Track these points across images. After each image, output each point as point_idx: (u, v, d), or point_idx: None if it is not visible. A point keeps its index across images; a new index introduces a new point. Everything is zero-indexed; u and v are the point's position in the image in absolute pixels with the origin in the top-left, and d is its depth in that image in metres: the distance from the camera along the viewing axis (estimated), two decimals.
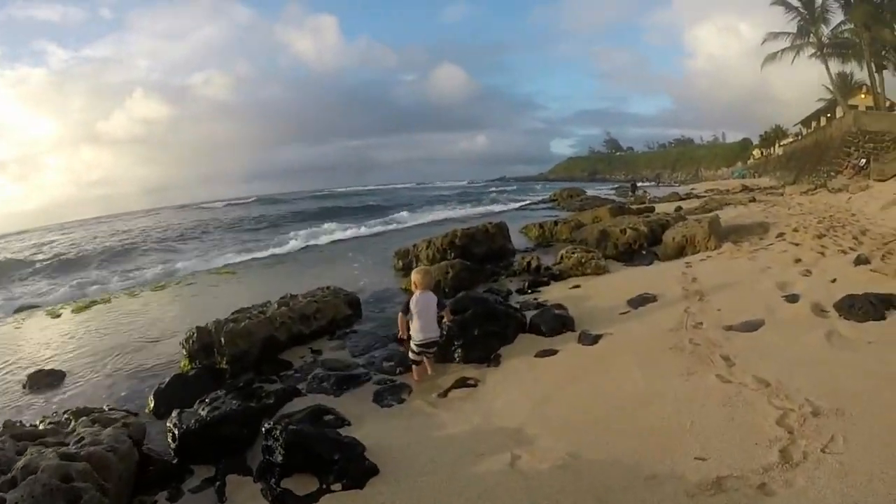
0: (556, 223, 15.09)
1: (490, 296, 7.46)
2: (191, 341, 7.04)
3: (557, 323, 6.53)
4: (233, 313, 7.76)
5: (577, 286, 8.64)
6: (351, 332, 8.16)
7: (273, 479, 3.94)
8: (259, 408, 5.25)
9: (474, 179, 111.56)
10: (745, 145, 73.31)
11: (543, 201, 35.40)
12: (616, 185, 49.60)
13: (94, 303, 12.98)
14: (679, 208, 18.57)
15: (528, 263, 10.28)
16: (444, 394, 5.42)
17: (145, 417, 5.61)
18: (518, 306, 7.88)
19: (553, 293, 8.51)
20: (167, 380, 6.22)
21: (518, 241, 14.44)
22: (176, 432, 4.75)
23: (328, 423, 4.90)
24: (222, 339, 6.83)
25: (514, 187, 67.68)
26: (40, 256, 27.41)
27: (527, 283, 9.22)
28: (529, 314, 7.20)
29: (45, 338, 10.14)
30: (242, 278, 14.80)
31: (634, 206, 19.28)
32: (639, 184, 41.78)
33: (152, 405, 5.88)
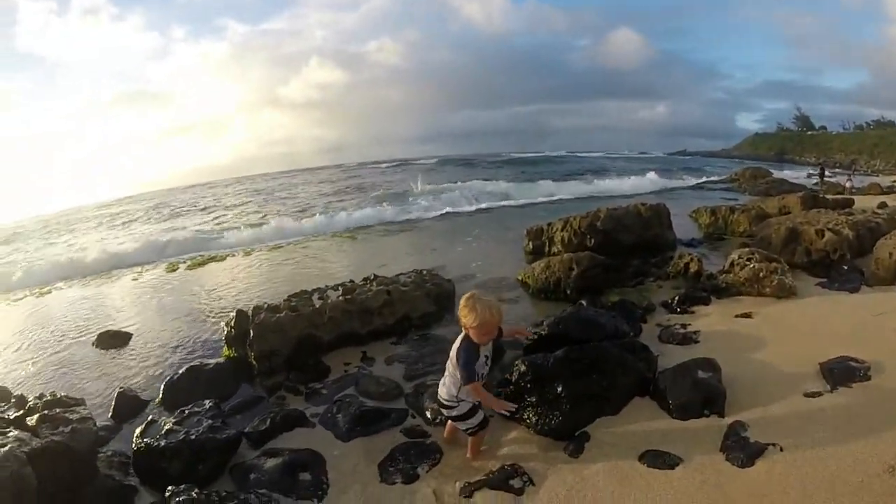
0: (732, 210, 11.67)
1: (611, 320, 5.03)
2: (230, 326, 6.18)
3: (697, 396, 3.79)
4: (289, 296, 6.82)
5: (748, 315, 5.67)
6: (424, 335, 6.42)
7: None
8: (229, 439, 4.13)
9: (651, 151, 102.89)
10: None
11: (723, 180, 30.50)
12: (809, 170, 41.84)
13: (211, 259, 12.82)
14: (884, 205, 14.40)
15: (686, 266, 7.52)
16: (470, 492, 3.30)
17: (154, 408, 5.12)
18: (657, 334, 5.48)
19: (710, 322, 5.68)
20: (180, 372, 5.54)
21: (684, 227, 11.41)
22: (133, 447, 4.08)
23: (298, 487, 3.69)
24: (251, 332, 5.81)
25: (693, 162, 60.72)
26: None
27: (677, 298, 6.50)
28: (666, 352, 4.80)
29: (148, 294, 10.24)
30: (356, 245, 13.43)
31: (830, 197, 15.11)
32: (828, 171, 34.23)
33: (160, 397, 5.31)
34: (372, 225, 16.61)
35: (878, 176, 35.62)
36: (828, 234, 8.07)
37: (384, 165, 63.69)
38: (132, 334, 7.49)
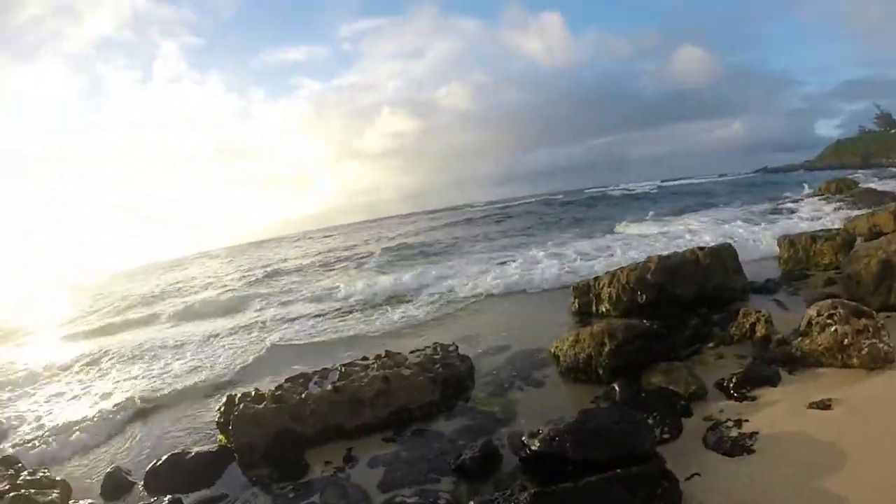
0: (814, 239, 9.84)
1: (629, 428, 3.79)
2: (220, 412, 5.82)
3: None
4: (287, 379, 6.33)
5: (827, 404, 4.22)
6: (421, 431, 5.49)
7: None
8: None
9: (731, 172, 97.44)
10: None
11: (808, 196, 27.10)
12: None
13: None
14: None
15: (752, 327, 6.14)
16: None
17: (139, 493, 5.06)
18: (703, 434, 4.23)
19: (775, 415, 4.27)
20: (163, 458, 5.34)
21: (759, 265, 10.06)
22: None
23: None
24: (230, 424, 5.43)
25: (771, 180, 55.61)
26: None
27: (735, 379, 5.08)
28: (708, 466, 3.58)
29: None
30: None
31: None
32: None
33: (141, 484, 5.17)
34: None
35: None
36: None
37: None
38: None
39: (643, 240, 15.89)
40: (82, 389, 8.64)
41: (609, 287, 8.37)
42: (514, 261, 14.83)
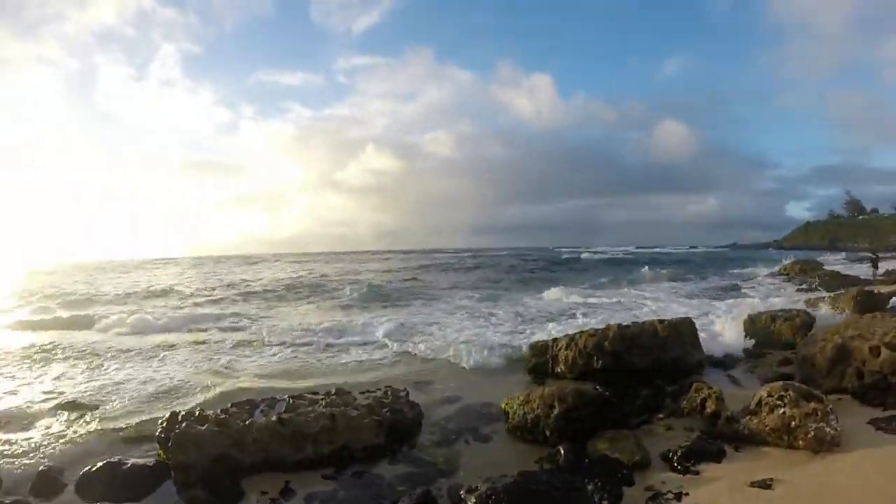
0: (773, 318, 10.15)
1: (568, 495, 3.76)
2: (161, 426, 5.58)
3: None
4: (232, 404, 6.11)
5: (769, 483, 4.21)
6: (361, 473, 5.31)
7: None
8: None
9: (699, 245, 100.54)
10: None
11: (773, 275, 28.23)
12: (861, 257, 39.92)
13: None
14: None
15: (703, 402, 6.14)
16: None
17: (70, 496, 4.92)
18: None
19: (715, 491, 4.25)
20: (99, 464, 5.20)
21: (719, 340, 10.14)
22: None
23: None
24: (170, 441, 5.26)
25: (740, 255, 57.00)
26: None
27: (679, 453, 5.04)
28: None
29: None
30: None
31: (885, 290, 13.34)
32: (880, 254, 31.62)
33: (73, 487, 5.03)
34: None
35: None
36: (884, 352, 6.52)
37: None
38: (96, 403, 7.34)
39: (605, 306, 16.28)
40: (22, 384, 8.59)
41: (566, 350, 8.38)
42: (478, 316, 15.31)
